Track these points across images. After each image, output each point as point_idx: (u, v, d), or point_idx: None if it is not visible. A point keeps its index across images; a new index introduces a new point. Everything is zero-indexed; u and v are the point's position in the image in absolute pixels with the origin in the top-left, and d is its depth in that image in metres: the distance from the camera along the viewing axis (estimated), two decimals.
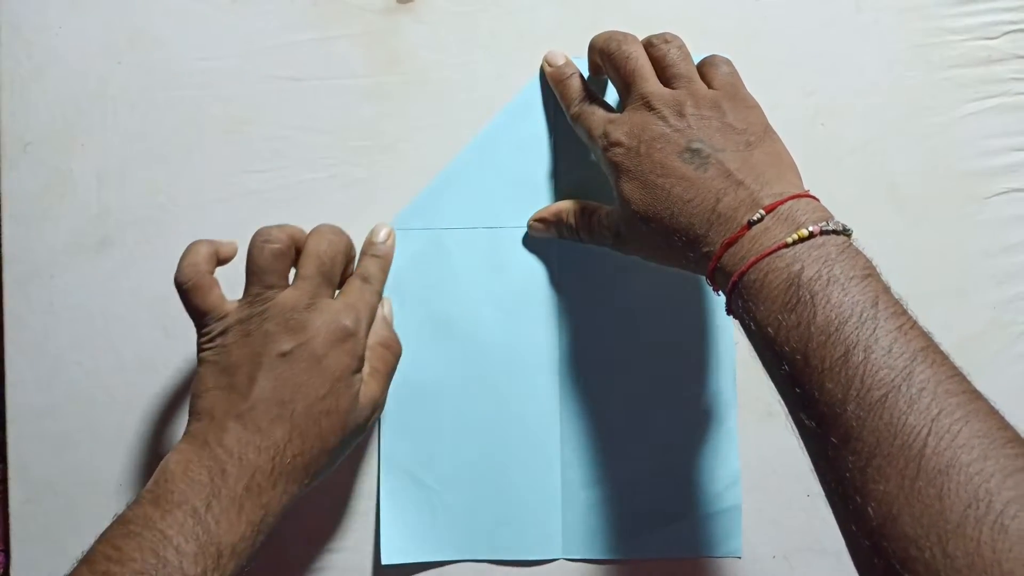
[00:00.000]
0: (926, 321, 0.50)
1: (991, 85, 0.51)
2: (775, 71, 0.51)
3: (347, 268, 0.44)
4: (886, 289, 0.34)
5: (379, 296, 0.45)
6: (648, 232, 0.40)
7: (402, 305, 0.49)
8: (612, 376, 0.49)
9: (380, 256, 0.46)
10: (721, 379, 0.50)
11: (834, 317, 0.32)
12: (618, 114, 0.43)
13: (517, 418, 0.49)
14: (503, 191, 0.49)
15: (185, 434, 0.39)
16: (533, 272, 0.49)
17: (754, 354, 0.49)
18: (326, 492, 0.49)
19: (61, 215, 0.50)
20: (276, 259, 0.41)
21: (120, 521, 0.36)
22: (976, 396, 0.32)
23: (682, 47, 0.43)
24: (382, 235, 0.47)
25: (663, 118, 0.40)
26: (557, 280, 0.49)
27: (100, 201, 0.50)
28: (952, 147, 0.51)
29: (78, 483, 0.49)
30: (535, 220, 0.48)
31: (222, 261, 0.43)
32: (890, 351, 0.31)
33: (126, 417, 0.49)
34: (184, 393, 0.50)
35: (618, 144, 0.41)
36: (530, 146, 0.49)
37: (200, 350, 0.41)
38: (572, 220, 0.46)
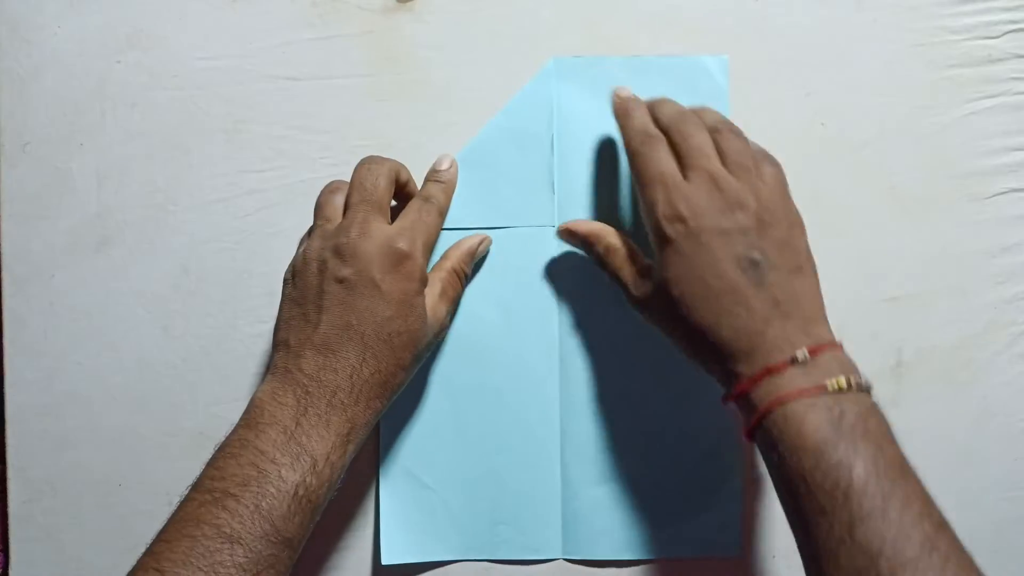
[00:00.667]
0: (926, 321, 0.50)
1: (991, 85, 0.51)
2: (775, 71, 0.51)
3: (406, 188, 0.46)
4: (906, 457, 0.37)
5: (441, 217, 0.46)
6: (679, 320, 0.41)
7: None
8: (612, 376, 0.49)
9: (443, 182, 0.47)
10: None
11: (873, 468, 0.35)
12: (681, 178, 0.41)
13: (517, 418, 0.49)
14: (503, 191, 0.49)
15: (270, 367, 0.41)
16: (533, 272, 0.49)
17: None
18: None
19: (61, 215, 0.50)
20: (330, 194, 0.44)
21: (219, 448, 0.39)
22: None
23: (747, 141, 0.43)
24: (445, 163, 0.48)
25: (729, 208, 0.40)
26: (557, 280, 0.49)
27: (100, 201, 0.50)
28: (952, 147, 0.51)
29: (78, 483, 0.49)
30: (566, 230, 0.47)
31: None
32: (921, 516, 0.34)
33: (126, 417, 0.49)
34: (184, 393, 0.50)
35: (679, 220, 0.40)
36: (530, 146, 0.49)
37: (283, 284, 0.43)
38: (603, 252, 0.45)
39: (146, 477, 0.49)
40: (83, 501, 0.49)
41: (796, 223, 0.42)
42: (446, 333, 0.47)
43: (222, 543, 0.35)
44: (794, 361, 0.38)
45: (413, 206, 0.45)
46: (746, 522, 0.50)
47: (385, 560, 0.48)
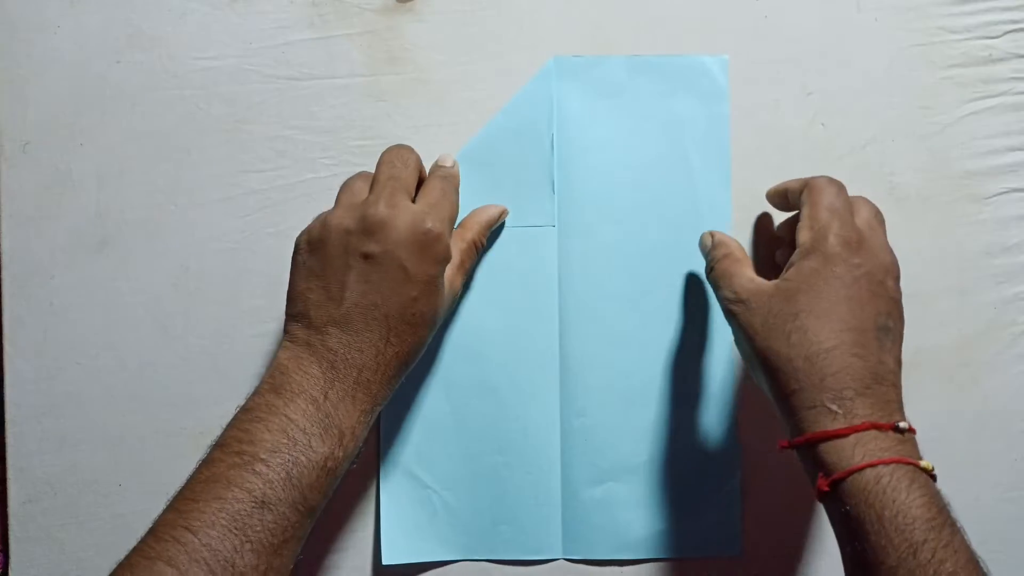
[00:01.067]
0: (926, 321, 0.50)
1: (991, 85, 0.51)
2: (775, 71, 0.51)
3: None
4: None
5: (457, 191, 0.46)
6: (780, 331, 0.39)
7: None
8: (612, 376, 0.49)
9: (448, 176, 0.46)
10: (721, 380, 0.50)
11: (967, 559, 0.34)
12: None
13: (517, 418, 0.49)
14: (503, 191, 0.49)
15: (287, 334, 0.41)
16: (533, 272, 0.49)
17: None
18: None
19: (61, 215, 0.50)
20: (356, 178, 0.44)
21: (244, 410, 0.39)
22: None
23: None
24: (448, 161, 0.47)
25: (890, 272, 0.41)
26: (557, 280, 0.49)
27: (100, 201, 0.50)
28: (952, 147, 0.51)
29: (78, 483, 0.49)
30: (707, 234, 0.47)
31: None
32: None
33: (126, 417, 0.49)
34: (184, 393, 0.50)
35: (849, 246, 0.40)
36: (530, 146, 0.49)
37: (295, 250, 0.43)
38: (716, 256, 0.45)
39: (146, 477, 0.49)
40: (83, 501, 0.49)
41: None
42: (459, 303, 0.48)
43: (253, 507, 0.35)
44: (896, 428, 0.37)
45: (435, 184, 0.44)
46: (746, 522, 0.50)
47: (386, 560, 0.48)
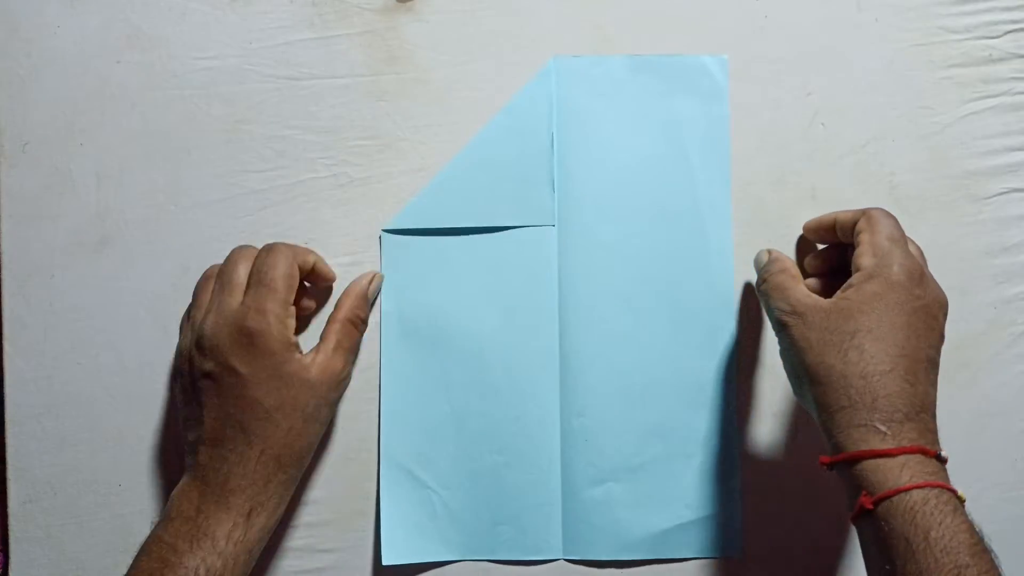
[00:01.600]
0: None
1: (992, 84, 0.51)
2: (775, 71, 0.51)
3: (313, 271, 0.46)
4: None
5: (293, 257, 0.44)
6: (836, 347, 0.40)
7: (401, 305, 0.49)
8: (612, 376, 0.49)
9: (283, 250, 0.44)
10: (722, 380, 0.50)
11: None
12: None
13: (517, 418, 0.49)
14: (503, 191, 0.49)
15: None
16: (533, 272, 0.49)
17: (758, 357, 0.49)
18: (326, 492, 0.49)
19: (60, 215, 0.50)
20: (204, 280, 0.46)
21: (140, 548, 0.41)
22: None
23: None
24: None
25: (944, 308, 0.42)
26: (557, 280, 0.49)
27: (99, 201, 0.50)
28: (952, 147, 0.51)
29: (78, 483, 0.49)
30: (764, 251, 0.47)
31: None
32: None
33: (126, 417, 0.49)
34: None
35: (913, 278, 0.41)
36: (530, 146, 0.49)
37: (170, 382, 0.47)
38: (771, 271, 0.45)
39: (146, 477, 0.49)
40: (83, 501, 0.49)
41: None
42: (348, 383, 0.47)
43: None
44: (938, 456, 0.38)
45: (264, 264, 0.43)
46: (746, 522, 0.50)
47: (386, 560, 0.48)
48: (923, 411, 0.39)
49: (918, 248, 0.44)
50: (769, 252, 0.46)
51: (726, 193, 0.50)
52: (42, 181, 0.50)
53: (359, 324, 0.47)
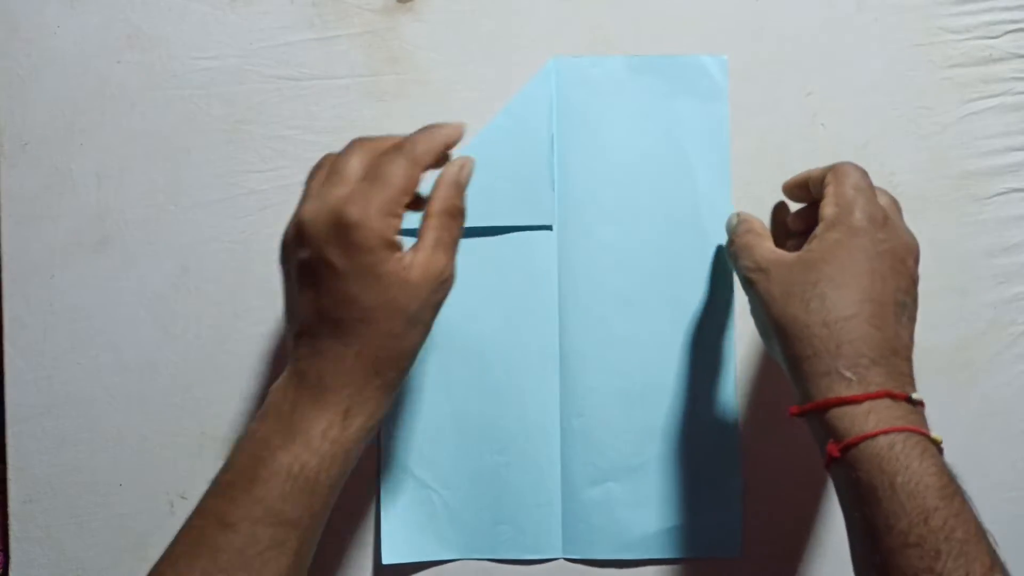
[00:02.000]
0: (926, 321, 0.50)
1: (992, 84, 0.51)
2: (775, 71, 0.51)
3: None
4: None
5: (414, 165, 0.39)
6: (800, 298, 0.39)
7: None
8: (612, 376, 0.49)
9: (432, 129, 0.41)
10: (722, 379, 0.50)
11: (976, 529, 0.34)
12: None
13: (517, 418, 0.49)
14: (503, 191, 0.49)
15: None
16: (533, 272, 0.49)
17: (757, 355, 0.49)
18: None
19: (60, 214, 0.50)
20: (319, 165, 0.41)
21: (235, 444, 0.40)
22: None
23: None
24: (455, 122, 0.42)
25: (912, 252, 0.41)
26: (557, 280, 0.49)
27: (99, 201, 0.50)
28: (952, 147, 0.51)
29: (78, 483, 0.49)
30: (734, 214, 0.47)
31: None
32: None
33: (126, 417, 0.49)
34: (184, 393, 0.50)
35: (876, 223, 0.40)
36: (530, 146, 0.49)
37: None
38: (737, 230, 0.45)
39: (146, 477, 0.49)
40: (83, 501, 0.49)
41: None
42: (453, 283, 0.41)
43: (219, 531, 0.36)
44: (909, 399, 0.37)
45: (381, 159, 0.40)
46: (746, 522, 0.50)
47: (386, 560, 0.48)
48: (893, 354, 0.38)
49: (891, 199, 0.43)
50: (739, 214, 0.46)
51: (726, 193, 0.50)
52: (42, 181, 0.50)
53: (457, 215, 0.41)
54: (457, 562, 0.49)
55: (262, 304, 0.50)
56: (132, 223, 0.50)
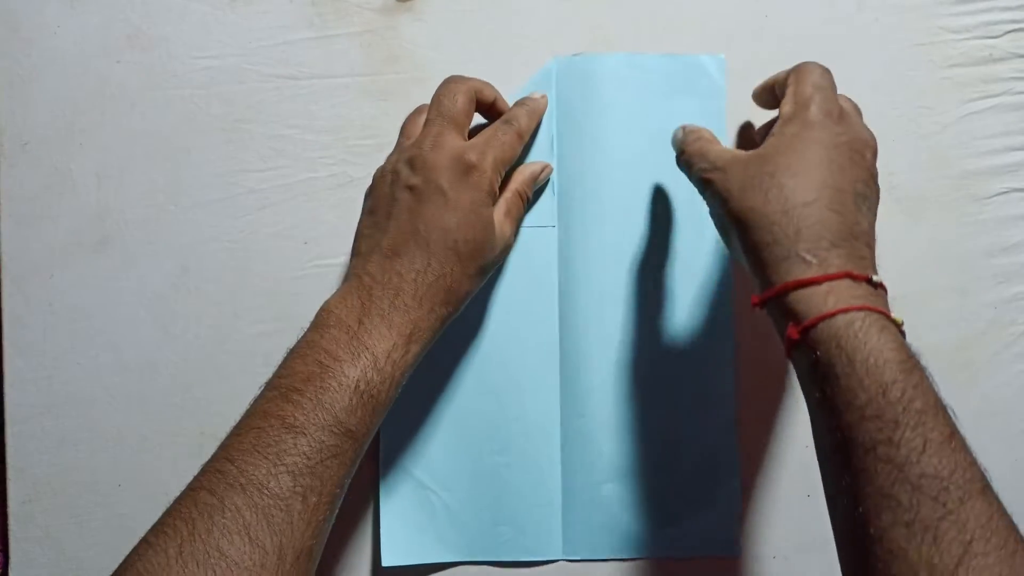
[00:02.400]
0: (926, 321, 0.50)
1: (992, 84, 0.51)
2: (775, 71, 0.50)
3: (493, 106, 0.47)
4: None
5: (519, 138, 0.46)
6: (759, 190, 0.39)
7: None
8: (612, 376, 0.49)
9: (528, 105, 0.47)
10: (721, 379, 0.50)
11: (935, 400, 0.34)
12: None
13: (517, 418, 0.49)
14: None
15: (344, 277, 0.43)
16: (533, 272, 0.49)
17: (758, 356, 0.49)
18: None
19: (60, 214, 0.50)
20: (416, 114, 0.46)
21: (289, 352, 0.40)
22: None
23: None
24: (538, 94, 0.49)
25: (869, 144, 0.41)
26: (557, 280, 0.49)
27: (99, 201, 0.50)
28: (952, 147, 0.51)
29: (78, 483, 0.49)
30: (679, 128, 0.46)
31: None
32: (973, 453, 0.34)
33: (126, 417, 0.49)
34: (184, 393, 0.50)
35: (833, 117, 0.40)
36: (530, 146, 0.49)
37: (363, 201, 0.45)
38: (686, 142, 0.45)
39: (146, 477, 0.49)
40: (83, 501, 0.49)
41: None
42: (509, 252, 0.48)
43: (285, 433, 0.36)
44: (869, 281, 0.37)
45: (492, 126, 0.46)
46: (746, 522, 0.50)
47: (386, 562, 0.48)
48: (853, 238, 0.38)
49: (852, 103, 0.43)
50: (683, 126, 0.46)
51: None
52: (42, 181, 0.50)
53: (525, 199, 0.47)
54: (457, 565, 0.49)
55: (262, 304, 0.50)
56: (132, 223, 0.50)
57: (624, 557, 0.49)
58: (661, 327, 0.49)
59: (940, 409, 0.34)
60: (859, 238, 0.38)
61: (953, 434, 0.34)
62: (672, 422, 0.49)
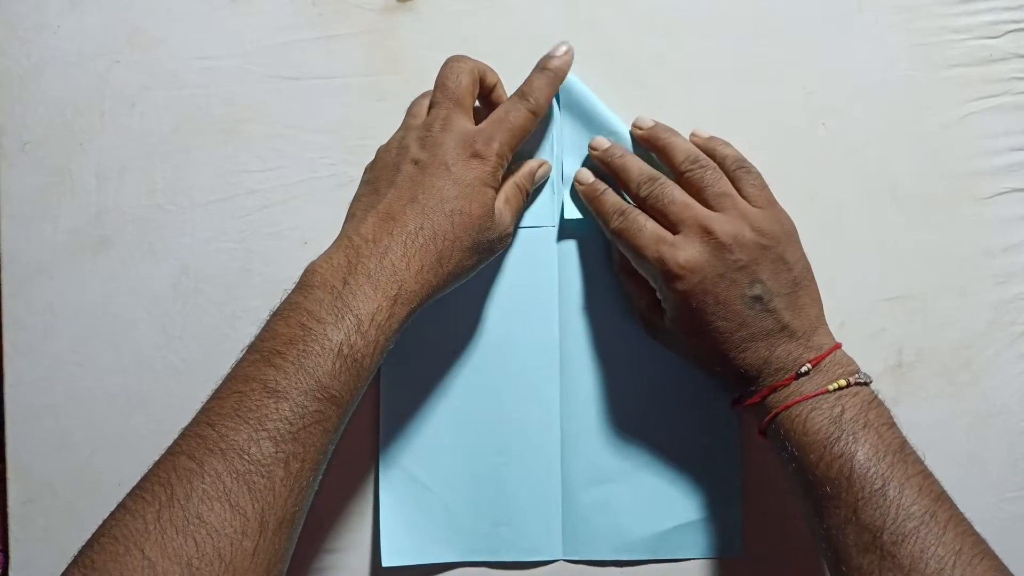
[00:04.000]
0: (927, 321, 0.50)
1: (992, 84, 0.51)
2: (775, 71, 0.50)
3: (492, 92, 0.47)
4: (905, 438, 0.41)
5: (534, 115, 0.45)
6: (692, 352, 0.46)
7: None
8: (612, 376, 0.49)
9: (549, 69, 0.46)
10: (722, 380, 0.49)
11: (872, 454, 0.39)
12: (669, 234, 0.44)
13: (517, 418, 0.49)
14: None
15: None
16: (533, 272, 0.49)
17: None
18: (325, 492, 0.49)
19: (60, 214, 0.50)
20: (421, 97, 0.47)
21: (274, 312, 0.39)
22: (982, 538, 0.38)
23: (715, 167, 0.45)
24: (562, 48, 0.47)
25: (725, 249, 0.42)
26: (557, 280, 0.49)
27: (99, 200, 0.50)
28: (952, 147, 0.51)
29: (78, 483, 0.49)
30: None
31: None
32: (920, 490, 0.38)
33: (126, 417, 0.49)
34: (183, 393, 0.50)
35: (680, 277, 0.42)
36: (530, 146, 0.49)
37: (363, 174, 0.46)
38: (620, 267, 0.48)
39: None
40: (83, 501, 0.49)
41: (788, 231, 0.44)
42: (510, 241, 0.47)
43: (267, 397, 0.36)
44: (798, 375, 0.42)
45: (507, 102, 0.45)
46: (746, 522, 0.50)
47: (386, 562, 0.48)
48: (773, 350, 0.43)
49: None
50: (626, 272, 0.48)
51: None
52: (42, 181, 0.50)
53: (525, 193, 0.47)
54: (457, 566, 0.49)
55: (262, 304, 0.50)
56: (132, 223, 0.50)
57: (624, 558, 0.49)
58: None
59: (870, 463, 0.39)
60: (771, 354, 0.43)
61: (885, 485, 0.38)
62: (672, 422, 0.49)
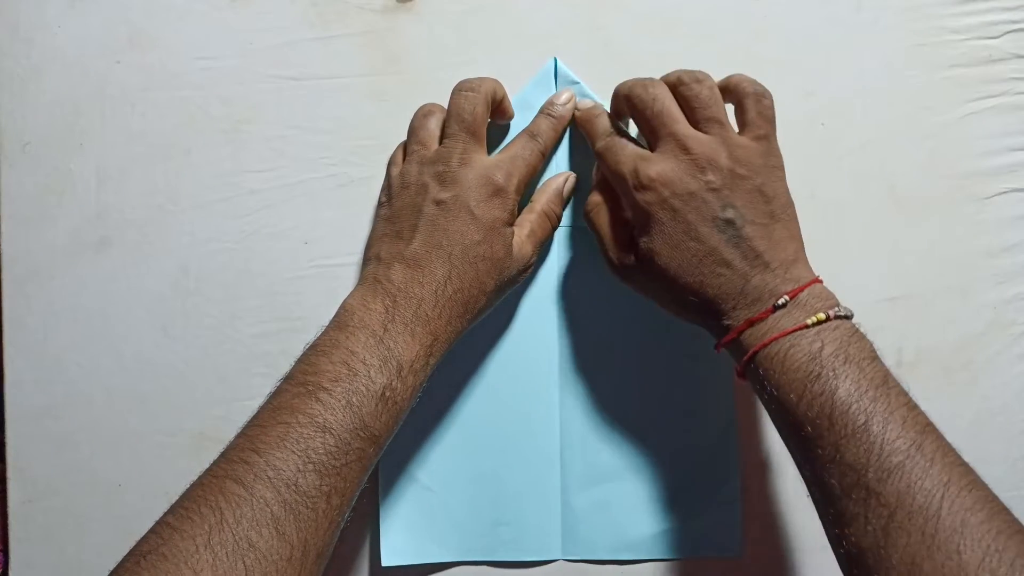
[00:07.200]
0: (926, 321, 0.50)
1: (992, 85, 0.51)
2: (775, 71, 0.50)
3: (501, 105, 0.47)
4: (889, 370, 0.39)
5: (543, 157, 0.46)
6: (664, 289, 0.43)
7: None
8: (612, 376, 0.49)
9: (554, 116, 0.47)
10: (720, 379, 0.49)
11: (854, 390, 0.37)
12: (649, 152, 0.43)
13: (517, 418, 0.49)
14: None
15: (360, 278, 0.43)
16: (533, 272, 0.49)
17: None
18: None
19: (60, 215, 0.50)
20: (424, 118, 0.46)
21: (311, 346, 0.40)
22: (971, 468, 0.36)
23: (713, 87, 0.43)
24: (563, 98, 0.48)
25: (698, 169, 0.41)
26: (557, 280, 0.49)
27: (99, 201, 0.50)
28: (952, 147, 0.51)
29: (78, 483, 0.49)
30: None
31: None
32: (904, 423, 0.36)
33: (126, 417, 0.49)
34: (184, 393, 0.50)
35: (649, 188, 0.41)
36: None
37: (377, 206, 0.47)
38: (590, 209, 0.46)
39: (146, 477, 0.49)
40: (83, 501, 0.49)
41: (771, 165, 0.42)
42: (531, 273, 0.47)
43: (315, 431, 0.37)
44: (776, 308, 0.40)
45: (518, 141, 0.46)
46: (746, 522, 0.50)
47: (385, 562, 0.48)
48: (748, 279, 0.40)
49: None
50: (593, 205, 0.46)
51: None
52: (42, 181, 0.50)
53: (554, 219, 0.47)
54: (457, 565, 0.49)
55: (262, 304, 0.50)
56: (132, 223, 0.50)
57: (623, 557, 0.49)
58: (661, 326, 0.49)
59: (852, 399, 0.37)
60: (746, 284, 0.40)
61: (868, 420, 0.36)
62: (672, 422, 0.49)
